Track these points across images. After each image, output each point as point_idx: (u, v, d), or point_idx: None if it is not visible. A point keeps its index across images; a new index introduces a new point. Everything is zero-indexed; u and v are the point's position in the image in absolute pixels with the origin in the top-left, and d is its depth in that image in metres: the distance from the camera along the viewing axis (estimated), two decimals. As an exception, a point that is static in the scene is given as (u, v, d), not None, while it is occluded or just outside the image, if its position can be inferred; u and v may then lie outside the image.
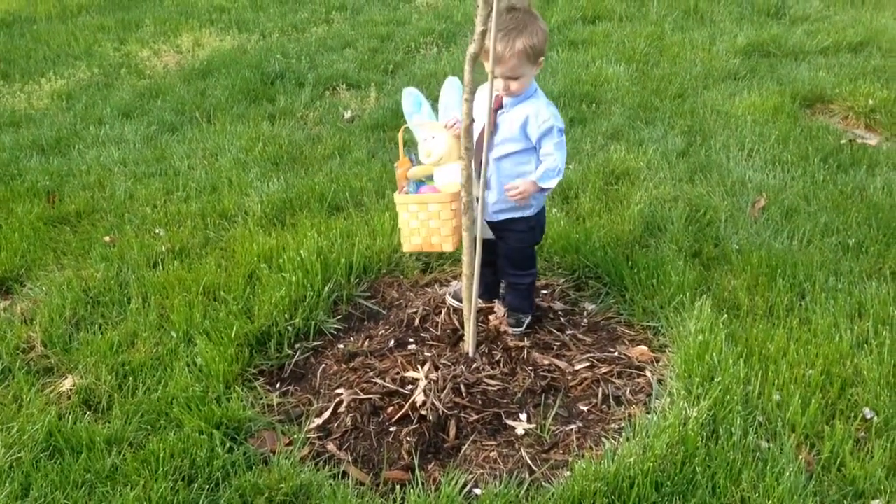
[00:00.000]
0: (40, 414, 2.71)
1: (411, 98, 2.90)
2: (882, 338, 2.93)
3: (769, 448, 2.47)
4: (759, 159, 4.45)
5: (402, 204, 2.81)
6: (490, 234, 2.97)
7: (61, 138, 5.24)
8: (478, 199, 2.75)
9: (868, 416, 2.60)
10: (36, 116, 5.73)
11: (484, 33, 2.46)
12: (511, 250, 3.04)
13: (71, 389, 2.89)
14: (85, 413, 2.78)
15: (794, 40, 6.35)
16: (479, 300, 3.15)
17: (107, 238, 3.92)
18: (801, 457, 2.45)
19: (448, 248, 2.84)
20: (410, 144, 2.95)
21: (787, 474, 2.34)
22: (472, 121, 2.59)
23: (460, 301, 3.07)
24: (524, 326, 3.13)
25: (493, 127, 2.75)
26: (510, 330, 3.13)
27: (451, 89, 2.88)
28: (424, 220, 2.80)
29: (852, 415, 2.62)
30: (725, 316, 3.06)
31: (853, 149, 4.56)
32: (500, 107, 2.79)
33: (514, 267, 3.08)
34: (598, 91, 5.55)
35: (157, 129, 5.36)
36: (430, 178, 2.90)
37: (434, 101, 2.93)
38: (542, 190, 2.80)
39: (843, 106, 5.21)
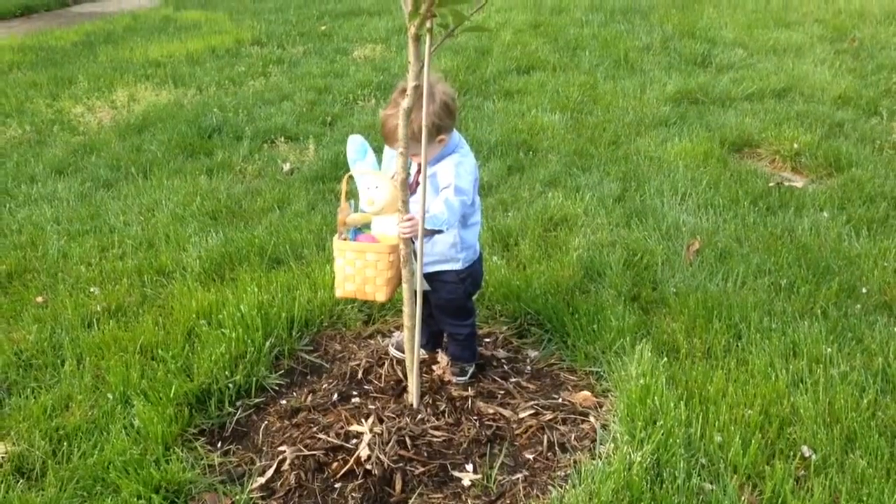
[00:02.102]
0: (-31, 485, 2.61)
1: (356, 145, 2.91)
2: (816, 376, 3.00)
3: (713, 490, 2.50)
4: (692, 203, 4.57)
5: (339, 250, 2.82)
6: (426, 286, 2.97)
7: (-9, 197, 5.12)
8: (415, 254, 2.76)
9: (807, 455, 2.65)
10: (-35, 175, 5.59)
11: (417, 88, 2.49)
12: (443, 301, 3.04)
13: (3, 457, 2.78)
14: (18, 481, 2.67)
15: (720, 87, 6.58)
16: (423, 350, 3.19)
17: (39, 298, 3.82)
18: (743, 497, 2.48)
19: (381, 298, 2.85)
20: (353, 191, 2.95)
21: (731, 515, 2.37)
22: (407, 174, 2.62)
23: (403, 352, 3.07)
24: (468, 375, 3.13)
25: (416, 185, 2.81)
26: (454, 379, 3.14)
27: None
28: (360, 269, 2.81)
29: (791, 454, 2.67)
30: (665, 359, 3.11)
31: (781, 191, 4.71)
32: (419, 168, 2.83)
33: (450, 317, 3.10)
34: (534, 139, 5.65)
35: (91, 185, 5.27)
36: (367, 226, 2.92)
37: (378, 149, 2.94)
38: (429, 233, 2.79)
39: (769, 150, 5.39)
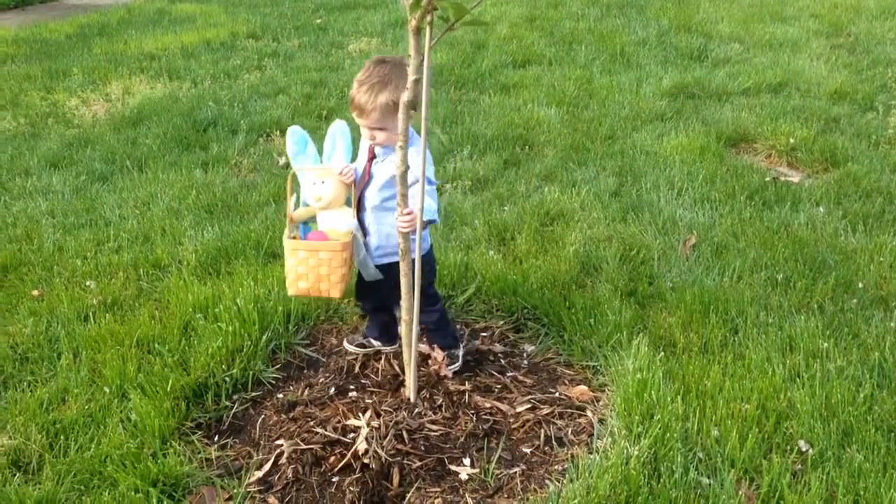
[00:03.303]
0: (-34, 478, 2.60)
1: (296, 137, 2.90)
2: (813, 370, 3.01)
3: (710, 484, 2.50)
4: (689, 198, 4.57)
5: (291, 249, 2.81)
6: (378, 275, 2.97)
7: (-14, 190, 5.10)
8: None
9: (804, 449, 2.66)
10: (-41, 168, 5.56)
11: (417, 81, 2.48)
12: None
13: (-1, 451, 2.78)
14: (14, 475, 2.67)
15: (716, 82, 6.58)
16: (377, 342, 3.26)
17: (35, 292, 3.81)
18: (741, 492, 2.49)
19: (335, 294, 2.87)
20: (296, 186, 2.91)
21: (728, 509, 2.38)
22: (407, 167, 2.61)
23: (357, 346, 3.19)
24: (460, 360, 3.17)
25: (368, 176, 2.85)
26: (449, 371, 3.14)
27: (338, 135, 2.92)
28: (314, 267, 2.81)
29: (788, 448, 2.68)
30: (662, 353, 3.11)
31: (777, 186, 4.71)
32: (374, 157, 2.85)
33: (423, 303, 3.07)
34: (530, 134, 5.65)
35: (86, 178, 5.25)
36: (313, 220, 2.92)
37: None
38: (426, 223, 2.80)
39: (765, 145, 5.39)
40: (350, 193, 2.88)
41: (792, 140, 5.28)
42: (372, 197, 2.86)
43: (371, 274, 2.95)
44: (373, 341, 3.28)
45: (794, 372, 3.04)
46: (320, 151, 2.93)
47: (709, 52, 7.49)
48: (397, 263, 2.89)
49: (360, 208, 2.89)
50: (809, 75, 6.68)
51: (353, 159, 2.95)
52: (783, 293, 3.59)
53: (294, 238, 2.87)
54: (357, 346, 3.28)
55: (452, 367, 3.15)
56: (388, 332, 3.27)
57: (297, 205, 2.93)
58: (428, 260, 3.03)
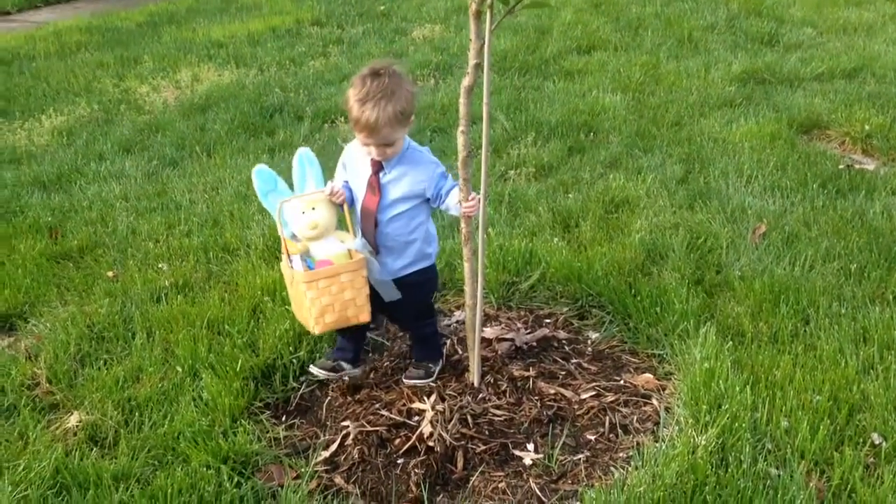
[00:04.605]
0: (46, 451, 2.70)
1: (264, 176, 2.75)
2: (887, 362, 2.94)
3: (779, 475, 2.46)
4: (758, 186, 4.48)
5: (310, 282, 2.65)
6: (396, 294, 2.85)
7: (62, 174, 5.26)
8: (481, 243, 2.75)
9: (877, 442, 2.60)
10: (37, 153, 5.75)
11: (477, 66, 2.49)
12: (417, 303, 2.97)
13: (77, 425, 2.88)
14: (91, 449, 2.76)
15: (788, 67, 6.42)
16: (347, 365, 3.01)
17: (110, 273, 3.93)
18: (811, 484, 2.44)
19: (365, 318, 2.75)
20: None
21: (799, 502, 2.34)
22: (468, 153, 2.61)
23: (325, 370, 2.98)
24: (434, 376, 3.03)
25: (380, 191, 2.72)
26: (417, 382, 2.99)
27: (305, 162, 2.80)
28: (337, 294, 2.67)
29: (861, 440, 2.62)
30: (730, 343, 3.06)
31: (851, 174, 4.59)
32: (380, 169, 2.73)
33: (417, 319, 3.03)
34: (595, 120, 5.59)
35: (157, 163, 5.38)
36: (307, 254, 2.77)
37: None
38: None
39: (839, 132, 5.25)
40: (342, 215, 2.77)
41: (867, 127, 5.13)
42: (387, 211, 2.74)
43: (391, 295, 2.84)
44: (342, 363, 3.02)
45: (867, 363, 2.97)
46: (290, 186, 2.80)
47: (780, 37, 7.32)
48: (420, 271, 2.86)
49: (366, 224, 2.76)
50: (885, 60, 6.47)
51: (325, 183, 2.80)
52: (857, 283, 3.50)
53: (305, 271, 2.70)
54: (329, 370, 3.00)
55: (424, 381, 2.99)
56: (359, 356, 3.10)
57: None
58: (431, 276, 2.97)
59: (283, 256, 2.79)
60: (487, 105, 2.55)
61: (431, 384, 3.00)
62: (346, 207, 2.76)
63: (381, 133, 2.57)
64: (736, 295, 3.44)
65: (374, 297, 2.83)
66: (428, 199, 2.79)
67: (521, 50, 7.24)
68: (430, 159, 2.78)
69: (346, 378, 3.04)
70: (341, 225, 2.82)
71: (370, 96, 2.54)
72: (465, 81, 2.51)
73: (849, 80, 6.18)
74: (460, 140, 2.58)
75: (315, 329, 2.74)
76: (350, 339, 3.03)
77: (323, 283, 2.65)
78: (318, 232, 2.72)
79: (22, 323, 3.60)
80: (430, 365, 3.05)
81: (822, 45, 7.05)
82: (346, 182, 2.82)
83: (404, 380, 3.01)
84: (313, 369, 3.02)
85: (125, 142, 5.80)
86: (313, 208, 2.71)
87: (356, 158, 2.79)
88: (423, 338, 3.09)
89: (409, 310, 2.98)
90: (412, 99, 2.65)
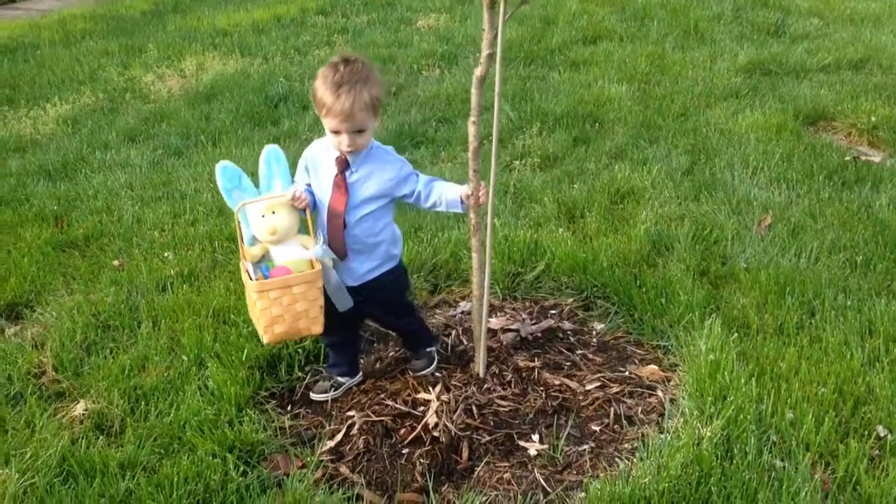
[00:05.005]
0: (53, 439, 2.71)
1: (228, 173, 2.62)
2: (893, 355, 2.94)
3: (784, 467, 2.47)
4: (764, 177, 4.47)
5: (261, 291, 2.52)
6: (350, 302, 2.75)
7: (68, 163, 5.27)
8: (488, 232, 2.75)
9: (882, 434, 2.60)
10: (42, 141, 5.76)
11: (490, 56, 2.48)
12: (393, 304, 2.93)
13: (83, 414, 2.89)
14: (98, 437, 2.77)
15: (794, 58, 6.40)
16: (344, 379, 3.00)
17: (115, 262, 3.93)
18: (816, 476, 2.45)
19: (318, 329, 2.65)
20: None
21: (804, 494, 2.34)
22: (479, 143, 2.61)
23: (321, 392, 2.97)
24: (437, 359, 3.06)
25: (347, 192, 2.64)
26: (425, 372, 3.03)
27: (273, 160, 2.68)
28: (289, 305, 2.55)
29: (866, 433, 2.62)
30: (735, 334, 3.06)
31: (857, 166, 4.58)
32: (346, 168, 2.65)
33: (399, 318, 3.02)
34: (600, 111, 5.58)
35: (162, 153, 5.39)
36: (267, 257, 2.67)
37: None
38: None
39: (845, 123, 5.24)
40: (303, 220, 2.68)
41: (873, 118, 5.12)
42: (355, 212, 2.66)
43: (345, 304, 2.73)
44: (340, 379, 3.00)
45: (873, 356, 2.96)
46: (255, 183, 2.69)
47: (786, 28, 7.29)
48: (388, 272, 2.81)
49: (334, 225, 2.67)
50: (892, 51, 6.45)
51: (292, 182, 2.72)
52: (863, 276, 3.50)
53: (259, 280, 2.57)
54: (328, 391, 2.98)
55: (429, 369, 3.04)
56: (356, 365, 3.06)
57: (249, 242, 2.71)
58: (399, 274, 2.91)
59: (241, 260, 2.70)
60: (499, 95, 2.55)
61: (437, 374, 3.01)
62: (308, 213, 2.65)
63: (356, 119, 2.49)
64: (741, 287, 3.44)
65: (360, 306, 2.79)
66: (393, 200, 2.73)
67: (526, 40, 7.22)
68: (396, 157, 2.72)
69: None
70: (305, 229, 2.71)
71: (345, 80, 2.47)
72: (478, 71, 2.50)
73: (855, 71, 6.16)
74: (471, 130, 2.57)
75: (264, 338, 2.64)
76: (341, 353, 3.00)
77: (274, 294, 2.53)
78: (277, 237, 2.62)
79: (28, 311, 3.61)
80: (430, 350, 3.07)
81: (829, 36, 7.02)
82: (309, 186, 2.72)
83: (412, 372, 3.03)
84: (314, 396, 2.99)
85: (130, 131, 5.80)
86: (273, 212, 2.60)
87: (319, 160, 2.70)
88: (411, 333, 3.08)
89: (388, 310, 2.96)
90: (383, 87, 2.61)
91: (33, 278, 3.80)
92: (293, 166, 2.75)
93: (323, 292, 2.63)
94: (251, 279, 2.57)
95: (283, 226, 2.61)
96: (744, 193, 4.25)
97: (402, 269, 2.94)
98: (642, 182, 4.43)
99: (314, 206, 2.71)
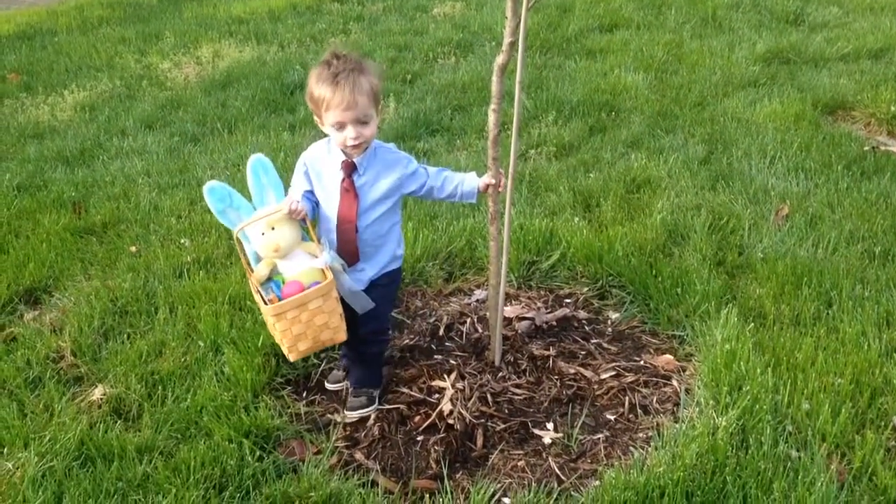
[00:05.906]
0: (72, 423, 2.73)
1: (217, 193, 2.54)
2: (911, 346, 2.92)
3: (800, 458, 2.46)
4: (782, 167, 4.44)
5: (276, 315, 2.45)
6: (370, 304, 2.69)
7: (85, 150, 5.30)
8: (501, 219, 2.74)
9: (899, 425, 2.59)
10: (60, 128, 5.79)
11: (512, 44, 2.47)
12: (382, 308, 2.80)
13: (101, 398, 2.91)
14: (116, 422, 2.80)
15: (813, 47, 6.35)
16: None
17: (133, 248, 3.96)
18: (832, 466, 2.44)
19: (341, 337, 2.59)
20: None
21: (819, 484, 2.33)
22: (499, 131, 2.60)
23: (340, 382, 2.97)
24: (377, 402, 2.85)
25: (356, 196, 2.60)
26: (355, 414, 2.82)
27: (260, 171, 2.60)
28: (308, 321, 2.49)
29: (882, 424, 2.61)
30: (752, 325, 3.05)
31: (876, 156, 4.54)
32: (353, 171, 2.60)
33: (374, 331, 2.82)
34: (616, 99, 5.56)
35: (179, 139, 5.40)
36: (276, 272, 2.61)
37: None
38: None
39: (864, 113, 5.19)
40: (304, 229, 2.59)
41: (893, 108, 5.07)
42: (366, 216, 2.63)
43: (365, 305, 2.67)
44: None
45: (890, 347, 2.95)
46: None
47: (806, 16, 7.23)
48: (389, 273, 2.77)
49: (345, 231, 2.62)
50: (913, 40, 6.38)
51: (286, 191, 2.64)
52: (881, 266, 3.47)
53: (272, 301, 2.51)
54: (343, 381, 2.98)
55: (364, 411, 2.82)
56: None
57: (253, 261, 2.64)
58: (397, 277, 2.85)
59: (250, 282, 2.62)
60: (520, 83, 2.53)
61: (451, 362, 3.02)
62: (308, 221, 2.56)
63: (358, 106, 2.45)
64: (758, 277, 3.42)
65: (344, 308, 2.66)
66: (401, 198, 2.71)
67: (542, 28, 7.19)
68: (401, 154, 2.70)
69: None
70: (307, 235, 2.63)
71: (341, 70, 2.45)
72: (500, 59, 2.49)
73: (875, 60, 6.10)
74: (491, 118, 2.57)
75: (290, 357, 2.58)
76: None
77: (291, 314, 2.46)
78: (282, 253, 2.55)
79: (46, 297, 3.64)
80: (372, 391, 2.87)
81: (849, 25, 6.96)
82: (307, 192, 2.65)
83: (345, 412, 2.83)
84: (328, 385, 2.99)
85: (147, 118, 5.83)
86: (273, 228, 2.52)
87: (321, 165, 2.63)
88: (367, 359, 2.87)
89: (374, 313, 2.74)
90: (380, 77, 2.57)
91: (51, 264, 3.82)
92: (291, 170, 2.73)
93: (339, 300, 2.57)
94: (265, 303, 2.51)
95: (286, 240, 2.54)
96: (761, 183, 4.23)
97: (400, 272, 2.88)
98: (658, 171, 4.42)
99: (312, 212, 2.64)
